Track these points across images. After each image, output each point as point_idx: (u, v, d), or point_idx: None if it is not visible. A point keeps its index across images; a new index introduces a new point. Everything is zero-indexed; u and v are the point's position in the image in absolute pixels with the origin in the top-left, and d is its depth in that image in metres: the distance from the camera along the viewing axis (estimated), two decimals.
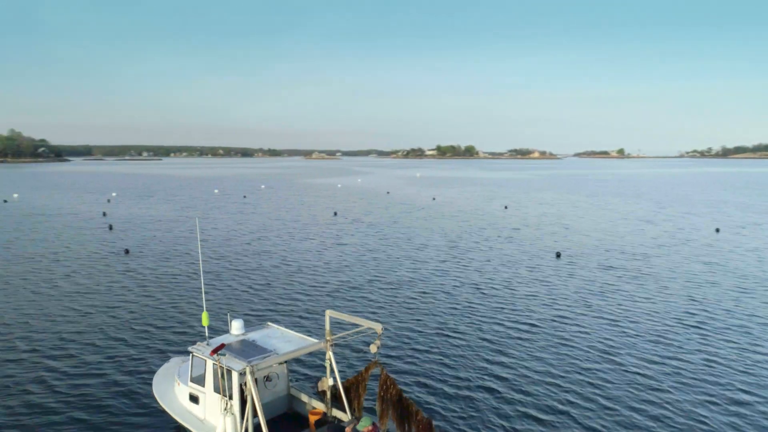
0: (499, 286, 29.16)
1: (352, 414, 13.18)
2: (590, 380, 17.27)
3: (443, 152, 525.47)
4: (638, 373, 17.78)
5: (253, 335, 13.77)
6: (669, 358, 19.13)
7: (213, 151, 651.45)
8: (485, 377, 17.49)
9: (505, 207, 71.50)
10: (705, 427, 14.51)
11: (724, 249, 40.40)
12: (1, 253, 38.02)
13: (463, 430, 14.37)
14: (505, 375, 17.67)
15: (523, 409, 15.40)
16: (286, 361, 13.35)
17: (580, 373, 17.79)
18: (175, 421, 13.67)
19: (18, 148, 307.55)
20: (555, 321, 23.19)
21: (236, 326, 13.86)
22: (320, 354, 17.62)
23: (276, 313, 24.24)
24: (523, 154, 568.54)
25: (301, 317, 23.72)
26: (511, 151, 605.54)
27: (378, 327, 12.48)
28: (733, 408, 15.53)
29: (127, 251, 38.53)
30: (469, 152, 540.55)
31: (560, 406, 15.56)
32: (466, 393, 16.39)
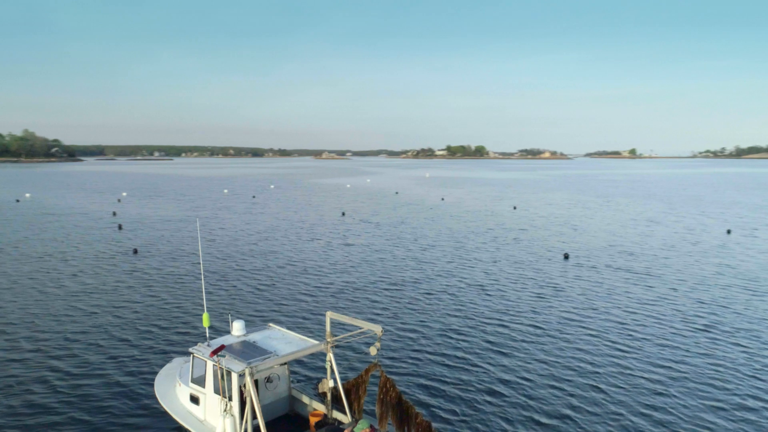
0: (505, 288, 28.94)
1: (352, 416, 13.09)
2: (595, 384, 17.05)
3: (453, 152, 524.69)
4: (644, 378, 17.53)
5: (253, 336, 13.71)
6: (676, 361, 18.85)
7: (224, 151, 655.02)
8: (488, 380, 17.32)
9: (514, 207, 71.12)
10: None
11: (735, 251, 39.86)
12: (10, 253, 38.39)
13: None
14: (508, 378, 17.49)
15: (526, 413, 15.22)
16: (287, 363, 13.28)
17: (585, 377, 17.57)
18: (176, 422, 13.67)
19: (32, 148, 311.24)
20: (561, 323, 22.95)
21: (237, 327, 13.81)
22: (321, 355, 17.57)
23: (279, 313, 24.22)
24: (533, 154, 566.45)
25: (304, 318, 23.67)
26: (521, 151, 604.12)
27: (378, 329, 12.39)
28: (740, 414, 15.25)
29: (135, 251, 38.76)
30: (480, 152, 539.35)
31: (564, 411, 15.36)
32: (469, 396, 16.23)
